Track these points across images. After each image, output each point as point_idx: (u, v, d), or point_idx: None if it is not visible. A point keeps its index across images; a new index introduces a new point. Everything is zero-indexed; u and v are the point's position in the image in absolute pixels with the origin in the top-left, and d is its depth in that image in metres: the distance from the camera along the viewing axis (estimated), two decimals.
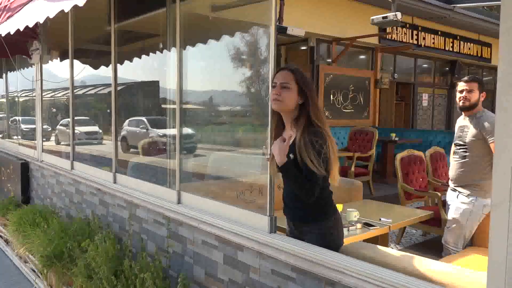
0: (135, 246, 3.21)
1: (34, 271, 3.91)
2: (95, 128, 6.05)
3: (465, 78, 3.26)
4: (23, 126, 7.47)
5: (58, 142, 6.27)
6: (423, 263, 1.85)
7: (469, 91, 3.18)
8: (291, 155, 2.00)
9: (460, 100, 3.22)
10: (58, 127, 6.16)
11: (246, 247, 2.31)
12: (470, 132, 3.17)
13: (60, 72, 5.66)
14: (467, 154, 3.20)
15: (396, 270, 1.76)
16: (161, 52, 4.26)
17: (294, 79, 2.07)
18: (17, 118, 7.70)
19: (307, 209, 2.14)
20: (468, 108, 3.21)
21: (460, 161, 3.26)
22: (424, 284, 1.61)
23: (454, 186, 3.32)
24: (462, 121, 3.32)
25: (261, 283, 2.22)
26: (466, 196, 3.19)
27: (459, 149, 3.28)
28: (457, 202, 3.24)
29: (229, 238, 2.42)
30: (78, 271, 2.95)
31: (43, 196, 5.48)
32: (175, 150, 3.09)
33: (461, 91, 3.21)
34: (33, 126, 6.27)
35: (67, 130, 5.84)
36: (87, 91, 5.99)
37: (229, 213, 2.54)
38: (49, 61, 5.52)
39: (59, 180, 4.95)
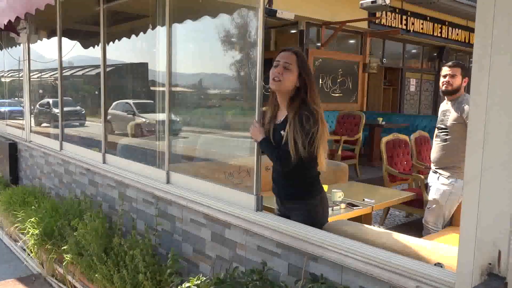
0: (125, 225, 3.27)
1: (24, 249, 3.96)
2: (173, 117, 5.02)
3: (449, 63, 3.34)
4: (55, 110, 5.96)
5: (111, 131, 5.19)
6: (401, 239, 1.95)
7: (452, 76, 3.26)
8: (282, 132, 2.08)
9: (443, 85, 3.31)
10: (110, 111, 5.10)
11: (234, 224, 2.39)
12: (452, 116, 3.27)
13: (47, 52, 5.61)
14: (448, 137, 3.31)
15: (375, 246, 1.85)
16: (151, 34, 4.25)
17: (296, 62, 2.13)
18: (49, 100, 6.48)
19: (294, 187, 2.24)
20: (451, 93, 3.30)
21: (441, 144, 3.36)
22: (401, 258, 1.70)
23: (435, 168, 3.43)
24: (444, 105, 3.41)
25: (247, 259, 2.31)
26: (446, 177, 3.31)
27: (441, 132, 3.38)
28: (437, 183, 3.36)
29: (217, 216, 2.49)
30: (68, 248, 3.01)
31: (32, 176, 5.49)
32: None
33: (445, 76, 3.29)
34: (69, 108, 5.40)
35: (125, 115, 5.10)
36: (74, 72, 5.94)
37: (217, 193, 2.60)
38: (37, 41, 5.46)
39: (48, 161, 4.96)
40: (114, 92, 5.01)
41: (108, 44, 4.02)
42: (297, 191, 2.25)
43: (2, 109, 7.20)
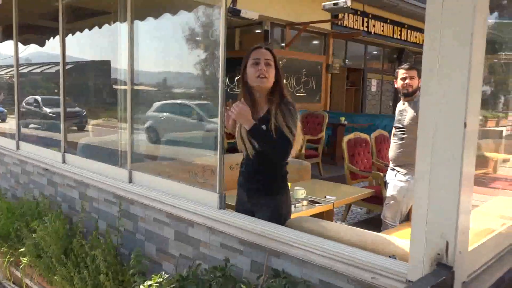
0: (86, 226, 3.21)
1: None
2: None
3: (405, 65, 3.47)
4: (47, 110, 5.08)
5: (151, 140, 4.31)
6: (358, 234, 2.03)
7: (412, 77, 3.39)
8: (264, 127, 2.13)
9: (404, 88, 3.42)
10: (152, 114, 4.22)
11: (197, 223, 2.40)
12: (408, 116, 3.41)
13: (4, 48, 5.39)
14: (405, 136, 3.44)
15: (334, 240, 1.91)
16: (113, 31, 4.17)
17: (272, 57, 2.23)
18: (37, 98, 5.31)
19: (267, 183, 2.30)
20: (411, 94, 3.43)
21: (398, 143, 3.50)
22: (357, 251, 1.77)
23: (393, 165, 3.57)
24: (401, 105, 3.55)
25: (211, 257, 2.33)
26: (403, 174, 3.45)
27: (398, 131, 3.51)
28: (395, 180, 3.49)
29: (180, 215, 2.49)
30: (26, 250, 2.92)
31: None
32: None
33: (404, 79, 3.41)
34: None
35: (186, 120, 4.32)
36: (32, 69, 5.71)
37: (180, 191, 2.60)
38: None
39: (3, 161, 4.78)
40: (74, 91, 4.85)
41: (67, 41, 3.92)
42: (266, 187, 2.30)
43: None
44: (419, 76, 3.40)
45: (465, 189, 1.38)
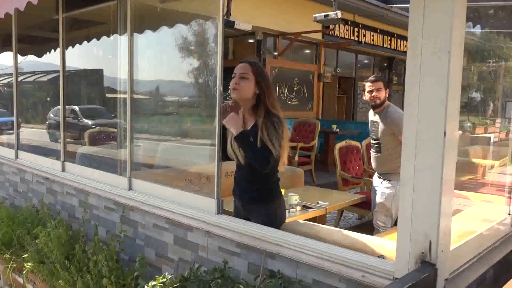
0: (87, 232, 3.29)
1: None
2: None
3: (371, 78, 3.59)
4: (88, 122, 4.54)
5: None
6: (349, 236, 2.15)
7: (378, 89, 3.51)
8: (251, 139, 2.23)
9: (371, 100, 3.55)
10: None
11: (195, 227, 2.51)
12: (380, 128, 3.54)
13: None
14: (380, 148, 3.58)
15: (327, 243, 2.03)
16: (110, 42, 4.28)
17: (252, 71, 2.29)
18: (74, 108, 4.64)
19: (258, 191, 2.40)
20: (379, 105, 3.56)
21: (377, 155, 3.64)
22: (348, 252, 1.89)
23: (378, 173, 3.70)
24: (372, 116, 3.68)
25: (209, 260, 2.43)
26: (388, 181, 3.57)
27: (374, 143, 3.65)
28: (382, 187, 3.62)
29: (179, 220, 2.60)
30: (29, 256, 3.00)
31: None
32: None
33: (371, 91, 3.53)
34: (102, 121, 4.06)
35: None
36: (24, 78, 5.80)
37: (179, 198, 2.71)
38: None
39: (2, 170, 4.85)
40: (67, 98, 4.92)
41: (66, 51, 4.02)
42: (260, 194, 2.40)
43: None
44: (386, 87, 3.54)
45: (446, 193, 1.50)
